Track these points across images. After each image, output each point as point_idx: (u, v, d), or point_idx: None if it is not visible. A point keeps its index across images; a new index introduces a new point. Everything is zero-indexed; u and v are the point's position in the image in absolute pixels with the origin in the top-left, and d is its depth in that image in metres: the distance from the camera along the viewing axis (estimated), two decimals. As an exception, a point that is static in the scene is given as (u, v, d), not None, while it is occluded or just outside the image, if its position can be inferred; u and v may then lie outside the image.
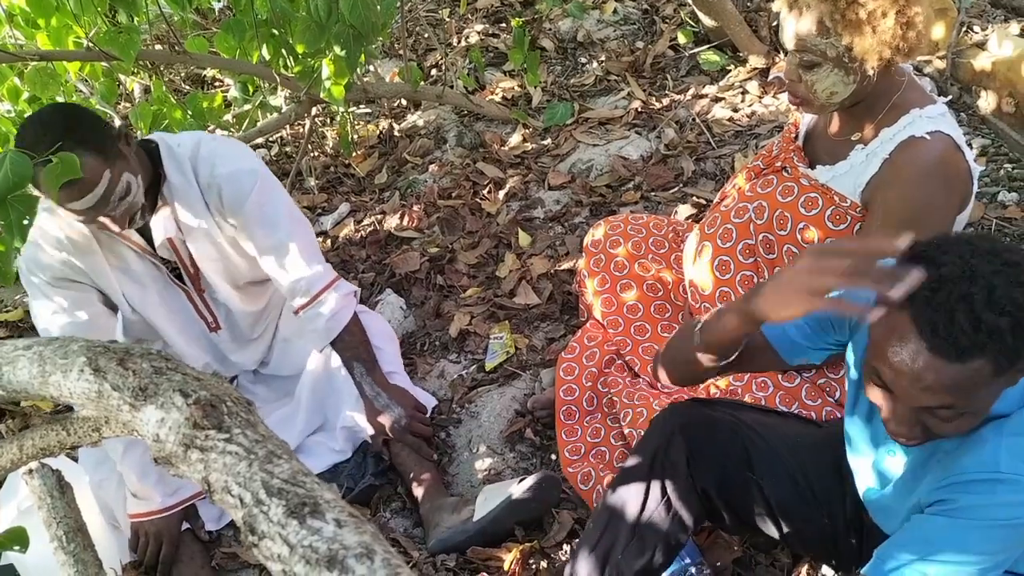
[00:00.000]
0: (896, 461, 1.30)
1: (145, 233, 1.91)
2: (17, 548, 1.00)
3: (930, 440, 1.14)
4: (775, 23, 2.98)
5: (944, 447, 1.17)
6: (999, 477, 1.07)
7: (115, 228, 1.76)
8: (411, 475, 2.00)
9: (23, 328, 2.69)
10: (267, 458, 0.70)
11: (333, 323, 2.01)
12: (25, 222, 1.37)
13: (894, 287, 1.00)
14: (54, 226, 1.85)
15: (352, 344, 2.04)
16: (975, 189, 1.61)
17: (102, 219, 1.73)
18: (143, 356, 0.78)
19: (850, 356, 1.35)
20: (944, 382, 1.01)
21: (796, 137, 1.82)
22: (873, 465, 1.35)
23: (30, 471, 1.00)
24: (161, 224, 1.88)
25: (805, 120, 1.82)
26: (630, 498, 1.50)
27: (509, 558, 1.77)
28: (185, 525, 1.98)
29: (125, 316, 2.01)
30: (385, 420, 2.00)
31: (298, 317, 2.05)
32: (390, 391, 2.04)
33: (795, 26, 1.54)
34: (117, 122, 1.75)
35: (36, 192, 1.61)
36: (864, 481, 1.37)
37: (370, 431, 2.03)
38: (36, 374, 0.84)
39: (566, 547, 1.80)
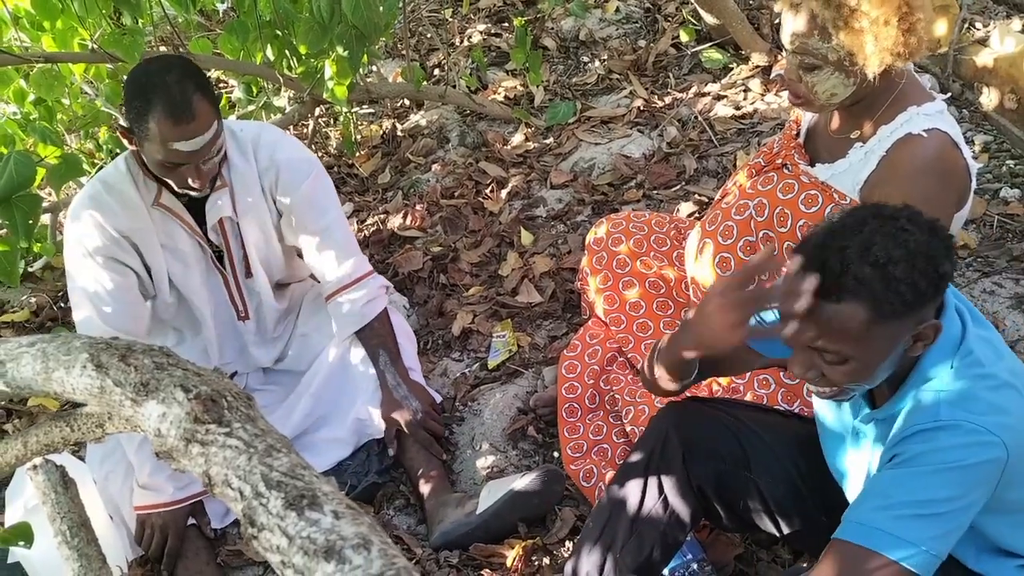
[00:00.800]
0: (861, 456, 1.31)
1: (196, 214, 1.96)
2: (22, 544, 1.01)
3: (834, 390, 1.21)
4: (777, 21, 2.98)
5: (894, 432, 1.23)
6: (940, 424, 1.14)
7: (195, 185, 1.80)
8: (419, 472, 2.01)
9: (29, 328, 2.71)
10: (267, 452, 0.71)
11: (368, 309, 2.08)
12: (30, 222, 1.38)
13: (795, 302, 1.11)
14: (110, 199, 1.88)
15: (381, 333, 2.10)
16: (974, 186, 1.62)
17: (189, 170, 1.77)
18: (145, 352, 0.80)
19: None
20: (820, 319, 1.11)
21: (797, 135, 1.83)
22: (844, 462, 1.38)
23: (34, 467, 1.01)
24: (216, 206, 1.94)
25: (806, 118, 1.83)
26: (629, 495, 1.51)
27: (512, 554, 1.78)
28: (191, 521, 1.99)
29: (160, 298, 2.04)
30: (402, 414, 2.02)
31: (330, 302, 2.10)
32: (410, 385, 2.07)
33: (798, 28, 1.54)
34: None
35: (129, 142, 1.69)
36: (852, 486, 1.39)
37: (382, 426, 2.05)
38: (40, 370, 0.85)
39: (568, 544, 1.81)
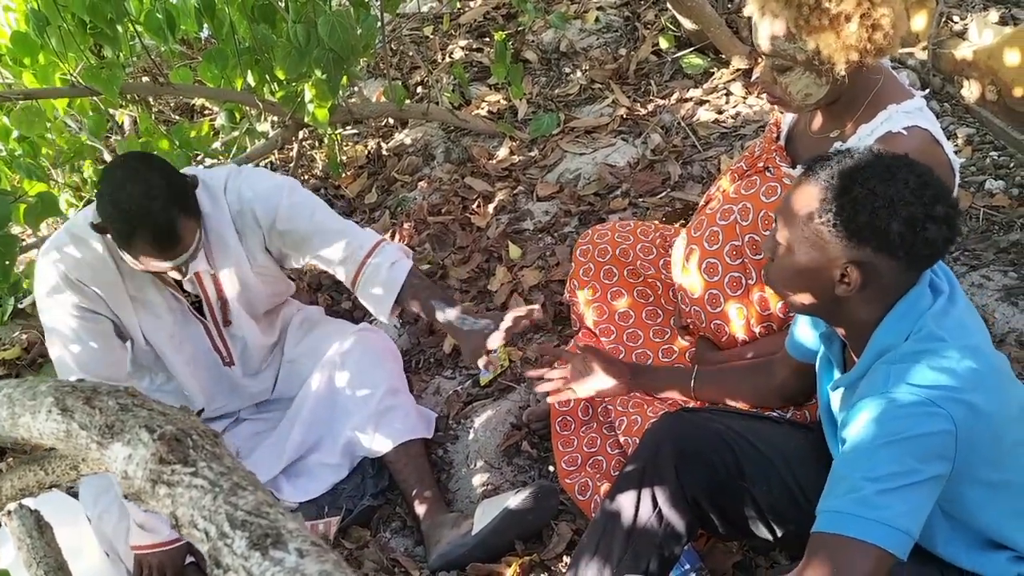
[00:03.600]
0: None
1: None
2: (3, 590, 1.00)
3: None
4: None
5: (852, 401, 1.26)
6: (885, 395, 1.16)
7: (177, 275, 1.80)
8: (413, 492, 2.00)
9: (20, 366, 2.71)
10: (232, 490, 0.70)
11: (395, 272, 1.93)
12: (7, 262, 1.38)
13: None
14: (77, 252, 1.86)
15: (423, 286, 1.94)
16: (957, 181, 1.61)
17: (168, 273, 1.77)
18: (109, 394, 0.79)
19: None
20: (791, 195, 1.23)
21: (778, 137, 1.83)
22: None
23: (8, 513, 1.00)
24: (192, 259, 1.88)
25: (786, 119, 1.83)
26: (623, 509, 1.50)
27: (509, 572, 1.77)
28: (189, 559, 1.98)
29: (137, 345, 2.03)
30: (484, 338, 1.80)
31: (357, 288, 1.98)
32: (474, 313, 1.89)
33: (765, 31, 1.55)
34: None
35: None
36: None
37: (372, 447, 2.03)
38: (6, 416, 0.84)
39: (566, 559, 1.80)
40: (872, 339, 1.24)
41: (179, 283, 1.95)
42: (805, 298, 1.26)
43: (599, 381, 1.71)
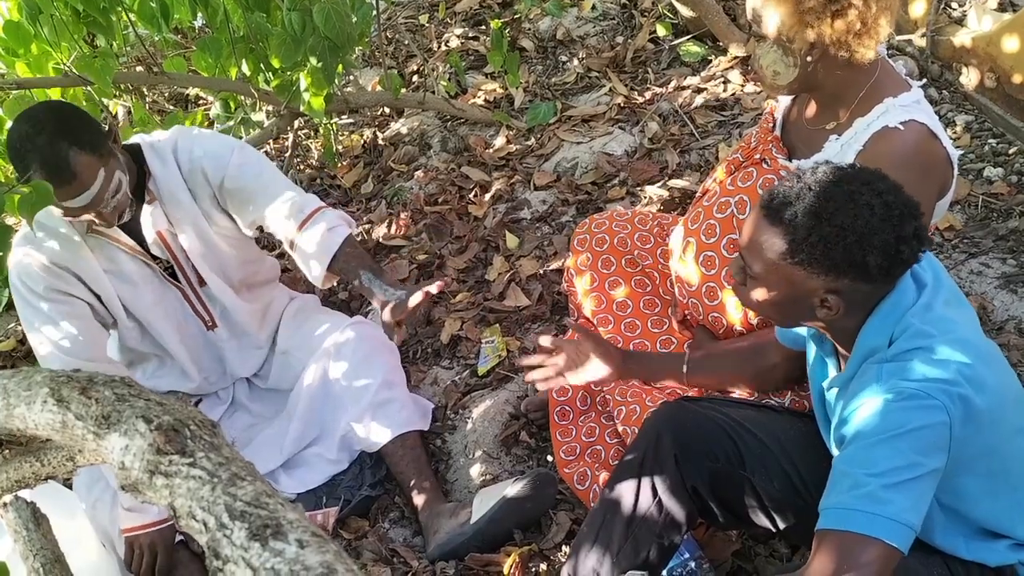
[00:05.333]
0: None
1: (135, 233, 1.94)
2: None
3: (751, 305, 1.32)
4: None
5: (844, 402, 1.27)
6: (881, 394, 1.17)
7: (104, 225, 1.79)
8: (411, 483, 2.00)
9: (16, 358, 2.69)
10: (230, 481, 0.69)
11: (332, 236, 1.95)
12: (0, 254, 1.37)
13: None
14: (44, 236, 1.87)
15: (355, 255, 1.96)
16: (955, 174, 1.61)
17: (91, 216, 1.76)
18: (106, 383, 0.78)
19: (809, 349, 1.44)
20: (755, 228, 1.23)
21: (773, 127, 1.82)
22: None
23: (4, 504, 1.00)
24: (150, 220, 1.91)
25: (780, 108, 1.82)
26: (623, 498, 1.49)
27: (508, 562, 1.77)
28: (179, 537, 1.97)
29: (121, 324, 2.03)
30: (395, 310, 1.82)
31: (295, 249, 1.99)
32: (396, 286, 1.89)
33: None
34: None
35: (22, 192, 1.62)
36: None
37: (369, 440, 2.02)
38: (1, 407, 0.83)
39: (565, 548, 1.80)
40: (858, 341, 1.25)
41: (147, 249, 1.95)
42: (785, 321, 1.31)
43: (592, 369, 1.70)
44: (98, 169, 1.71)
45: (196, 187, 1.97)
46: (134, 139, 1.96)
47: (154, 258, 1.98)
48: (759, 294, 1.26)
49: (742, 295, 1.31)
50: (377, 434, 2.04)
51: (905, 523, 1.11)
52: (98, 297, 1.95)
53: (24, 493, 1.01)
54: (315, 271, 1.98)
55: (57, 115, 1.73)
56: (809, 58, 1.53)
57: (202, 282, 2.06)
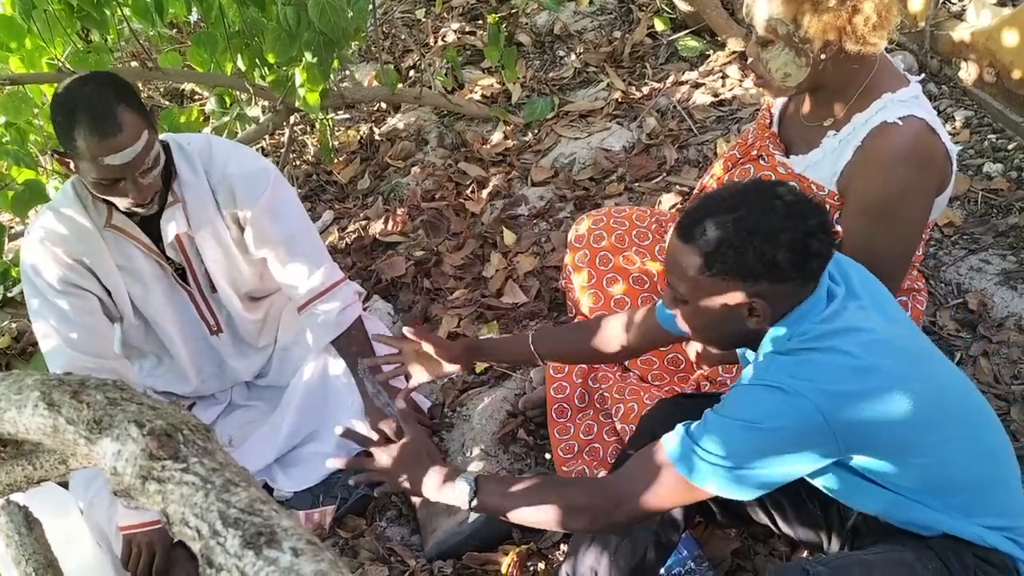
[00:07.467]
0: None
1: (151, 233, 1.92)
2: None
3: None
4: (751, 5, 2.95)
5: None
6: (764, 383, 1.20)
7: (134, 203, 1.75)
8: None
9: (10, 355, 2.68)
10: (224, 487, 0.68)
11: (343, 317, 2.04)
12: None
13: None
14: (61, 226, 1.85)
15: (359, 340, 2.06)
16: (954, 169, 1.60)
17: (126, 186, 1.72)
18: (98, 387, 0.77)
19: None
20: (673, 254, 1.25)
21: (770, 123, 1.80)
22: None
23: (-4, 509, 0.99)
24: (171, 221, 1.89)
25: (777, 105, 1.80)
26: (621, 496, 1.48)
27: (506, 561, 1.76)
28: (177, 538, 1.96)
29: (126, 321, 2.01)
30: (388, 424, 1.94)
31: (303, 313, 2.06)
32: (391, 391, 2.00)
33: (749, 2, 1.56)
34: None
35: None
36: None
37: (373, 436, 2.01)
38: (-9, 411, 0.82)
39: (563, 547, 1.79)
40: (762, 343, 1.28)
41: (162, 250, 1.93)
42: (724, 341, 1.34)
43: (433, 367, 1.76)
44: (142, 130, 1.69)
45: (222, 200, 1.94)
46: (163, 137, 1.91)
47: (168, 260, 1.96)
48: (691, 316, 1.29)
49: (680, 323, 1.33)
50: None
51: (723, 466, 1.19)
52: (108, 292, 1.94)
53: (17, 496, 0.99)
54: (316, 345, 2.08)
55: (105, 74, 1.77)
56: (823, 56, 1.52)
57: (213, 288, 2.05)
